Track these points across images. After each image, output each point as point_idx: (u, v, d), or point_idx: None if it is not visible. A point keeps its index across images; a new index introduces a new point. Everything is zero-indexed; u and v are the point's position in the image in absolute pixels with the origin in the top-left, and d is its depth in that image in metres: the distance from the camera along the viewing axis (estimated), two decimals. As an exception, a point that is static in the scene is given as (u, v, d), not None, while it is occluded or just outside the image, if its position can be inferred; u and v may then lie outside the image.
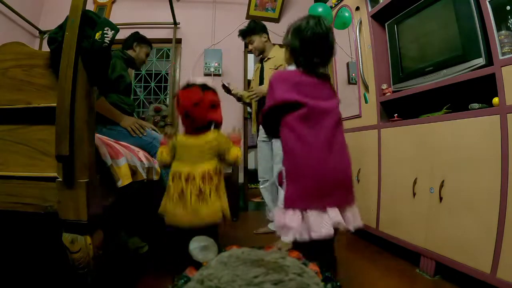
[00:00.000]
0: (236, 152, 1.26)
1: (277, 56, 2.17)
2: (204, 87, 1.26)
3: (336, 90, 2.30)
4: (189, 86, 1.27)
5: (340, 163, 0.97)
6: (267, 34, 2.32)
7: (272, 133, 1.10)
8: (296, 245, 0.90)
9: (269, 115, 1.03)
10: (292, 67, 1.05)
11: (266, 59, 2.27)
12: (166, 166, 1.29)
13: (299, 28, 0.99)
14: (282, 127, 0.99)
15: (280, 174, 1.02)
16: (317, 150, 0.93)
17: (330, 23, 1.01)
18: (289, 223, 0.90)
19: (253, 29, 2.27)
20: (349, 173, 0.99)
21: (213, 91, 1.30)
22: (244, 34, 2.30)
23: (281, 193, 0.98)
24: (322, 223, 0.87)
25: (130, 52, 1.94)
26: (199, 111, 1.23)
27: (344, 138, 1.04)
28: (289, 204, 0.91)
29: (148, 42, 2.04)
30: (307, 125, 0.94)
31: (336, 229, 0.90)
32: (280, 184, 1.00)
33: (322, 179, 0.91)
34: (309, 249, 0.84)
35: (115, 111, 1.67)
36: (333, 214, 0.89)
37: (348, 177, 0.98)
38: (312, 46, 0.98)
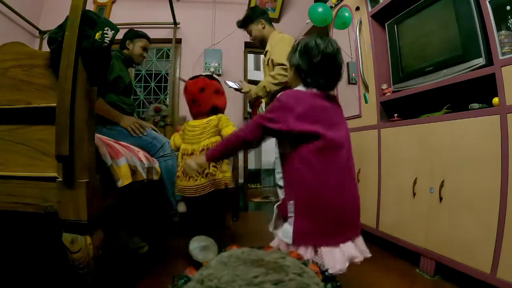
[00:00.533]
0: (232, 129, 1.41)
1: (271, 49, 1.99)
2: (209, 77, 1.47)
3: (336, 90, 2.31)
4: (196, 76, 1.48)
5: (353, 197, 0.93)
6: (265, 19, 2.13)
7: (250, 146, 1.00)
8: None
9: (267, 134, 0.93)
10: (301, 88, 0.97)
11: (264, 52, 2.09)
12: (178, 149, 1.53)
13: (307, 47, 0.94)
14: (293, 157, 0.90)
15: (283, 206, 0.94)
16: (332, 184, 0.87)
17: (337, 44, 0.96)
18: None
19: (249, 17, 2.12)
20: (359, 205, 0.95)
21: (218, 81, 1.48)
22: (242, 25, 2.17)
23: (287, 227, 0.89)
24: (336, 259, 0.83)
25: (125, 51, 1.92)
26: (205, 96, 1.41)
27: (354, 168, 0.98)
28: (301, 240, 0.85)
29: (140, 35, 1.96)
30: (322, 157, 0.87)
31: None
32: (285, 217, 0.92)
33: (337, 215, 0.87)
34: None
35: (113, 112, 1.67)
36: (347, 248, 0.87)
37: (358, 210, 0.95)
38: (320, 67, 0.93)
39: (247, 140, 0.94)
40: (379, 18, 1.87)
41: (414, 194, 1.46)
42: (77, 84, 0.82)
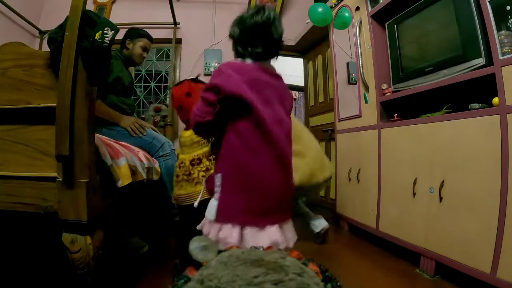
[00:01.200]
0: None
1: None
2: (195, 80, 1.39)
3: (336, 90, 2.31)
4: (180, 82, 1.41)
5: (285, 182, 0.86)
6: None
7: (206, 132, 0.95)
8: None
9: (212, 108, 0.86)
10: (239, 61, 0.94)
11: None
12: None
13: (241, 17, 0.92)
14: (229, 131, 0.85)
15: (211, 179, 0.87)
16: (266, 162, 0.82)
17: (277, 13, 0.91)
18: (227, 239, 0.78)
19: None
20: (291, 191, 0.90)
21: (204, 83, 1.39)
22: None
23: (212, 202, 0.85)
24: (259, 242, 0.75)
25: (125, 51, 1.88)
26: (191, 101, 1.32)
27: (291, 153, 0.90)
28: (225, 218, 0.80)
29: (141, 34, 1.90)
30: (257, 133, 0.82)
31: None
32: (211, 192, 0.87)
33: (267, 195, 0.81)
34: None
35: (113, 113, 1.66)
36: (272, 233, 0.80)
37: (290, 195, 0.89)
38: (252, 36, 0.89)
39: (201, 122, 0.87)
40: (379, 18, 1.87)
41: (414, 194, 1.46)
42: (77, 84, 0.82)
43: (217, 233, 0.80)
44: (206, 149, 1.37)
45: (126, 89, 1.83)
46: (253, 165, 0.81)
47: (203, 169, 1.35)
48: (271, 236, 0.80)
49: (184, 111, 1.40)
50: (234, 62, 0.92)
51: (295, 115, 5.65)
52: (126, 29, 1.94)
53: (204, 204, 1.26)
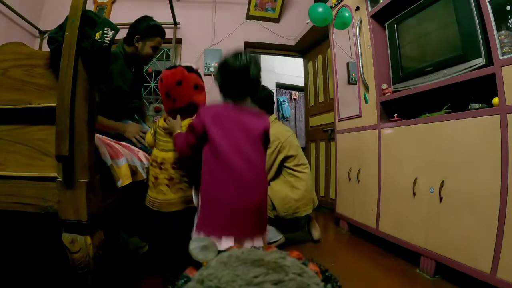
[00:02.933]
0: None
1: None
2: (189, 69, 1.25)
3: (336, 90, 2.31)
4: (173, 66, 1.26)
5: (252, 202, 0.98)
6: None
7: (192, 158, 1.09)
8: None
9: (194, 142, 1.03)
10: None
11: None
12: (151, 147, 1.31)
13: (221, 65, 1.09)
14: (201, 157, 1.02)
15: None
16: (225, 183, 0.96)
17: (253, 56, 1.08)
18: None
19: None
20: (259, 210, 1.00)
21: (198, 74, 1.29)
22: None
23: (196, 217, 1.06)
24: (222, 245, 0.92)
25: (131, 48, 1.70)
26: (182, 90, 1.21)
27: (261, 175, 1.03)
28: (200, 228, 0.96)
29: (155, 33, 1.68)
30: (216, 158, 0.97)
31: None
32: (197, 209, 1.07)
33: (229, 212, 0.95)
34: None
35: (115, 125, 1.59)
36: (227, 243, 0.92)
37: (257, 214, 1.00)
38: (229, 80, 1.05)
39: (186, 155, 1.08)
40: (379, 18, 1.87)
41: (414, 194, 1.46)
42: (77, 84, 0.82)
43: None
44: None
45: (128, 94, 1.71)
46: (212, 185, 0.97)
47: (185, 173, 1.21)
48: (226, 246, 0.90)
49: (170, 99, 1.24)
50: (212, 104, 1.09)
51: (295, 115, 5.66)
52: (127, 30, 1.72)
53: (180, 214, 1.20)
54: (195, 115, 1.06)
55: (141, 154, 1.40)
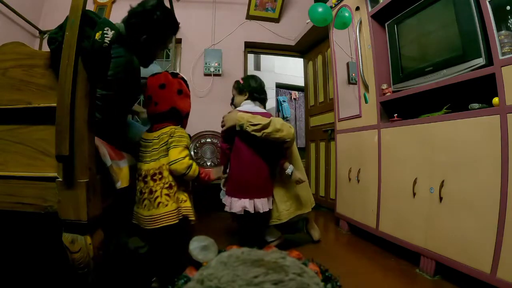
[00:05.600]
0: (180, 154, 1.13)
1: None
2: (174, 74, 1.24)
3: (336, 90, 2.31)
4: (159, 72, 1.26)
5: (254, 177, 1.62)
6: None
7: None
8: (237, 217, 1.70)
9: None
10: (246, 106, 1.72)
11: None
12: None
13: (256, 80, 1.78)
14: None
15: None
16: (241, 167, 1.65)
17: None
18: (224, 201, 1.69)
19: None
20: (258, 183, 1.62)
21: (184, 80, 1.26)
22: None
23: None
24: (236, 205, 1.58)
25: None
26: (164, 94, 1.18)
27: (258, 161, 1.64)
28: (227, 194, 1.68)
29: (172, 33, 1.37)
30: (237, 151, 1.67)
31: (246, 210, 1.55)
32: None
33: (242, 184, 1.62)
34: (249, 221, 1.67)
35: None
36: (244, 202, 1.57)
37: (257, 185, 1.62)
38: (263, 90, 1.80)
39: (227, 151, 1.74)
40: (379, 18, 1.87)
41: (414, 194, 1.46)
42: (77, 84, 0.82)
43: (227, 199, 1.66)
44: (164, 160, 1.15)
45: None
46: (234, 168, 1.68)
47: (166, 185, 1.14)
48: (242, 203, 1.57)
49: (152, 103, 1.19)
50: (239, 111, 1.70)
51: (295, 115, 5.66)
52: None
53: (165, 230, 1.14)
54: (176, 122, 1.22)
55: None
